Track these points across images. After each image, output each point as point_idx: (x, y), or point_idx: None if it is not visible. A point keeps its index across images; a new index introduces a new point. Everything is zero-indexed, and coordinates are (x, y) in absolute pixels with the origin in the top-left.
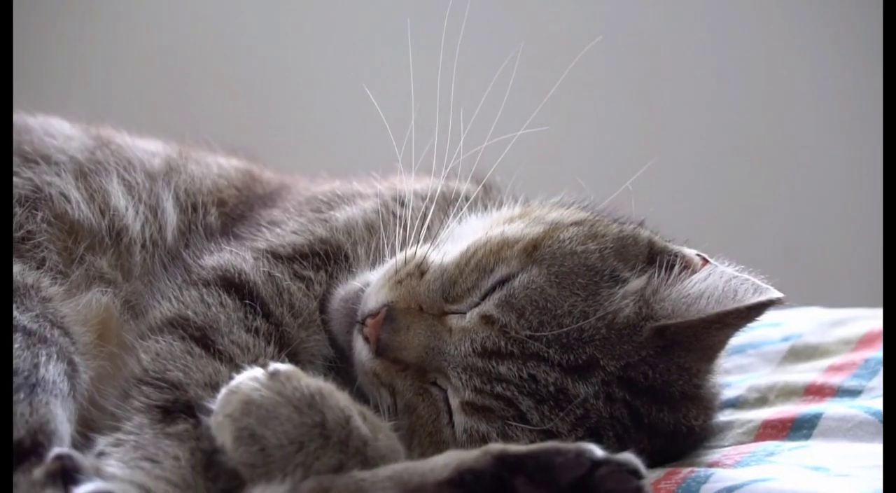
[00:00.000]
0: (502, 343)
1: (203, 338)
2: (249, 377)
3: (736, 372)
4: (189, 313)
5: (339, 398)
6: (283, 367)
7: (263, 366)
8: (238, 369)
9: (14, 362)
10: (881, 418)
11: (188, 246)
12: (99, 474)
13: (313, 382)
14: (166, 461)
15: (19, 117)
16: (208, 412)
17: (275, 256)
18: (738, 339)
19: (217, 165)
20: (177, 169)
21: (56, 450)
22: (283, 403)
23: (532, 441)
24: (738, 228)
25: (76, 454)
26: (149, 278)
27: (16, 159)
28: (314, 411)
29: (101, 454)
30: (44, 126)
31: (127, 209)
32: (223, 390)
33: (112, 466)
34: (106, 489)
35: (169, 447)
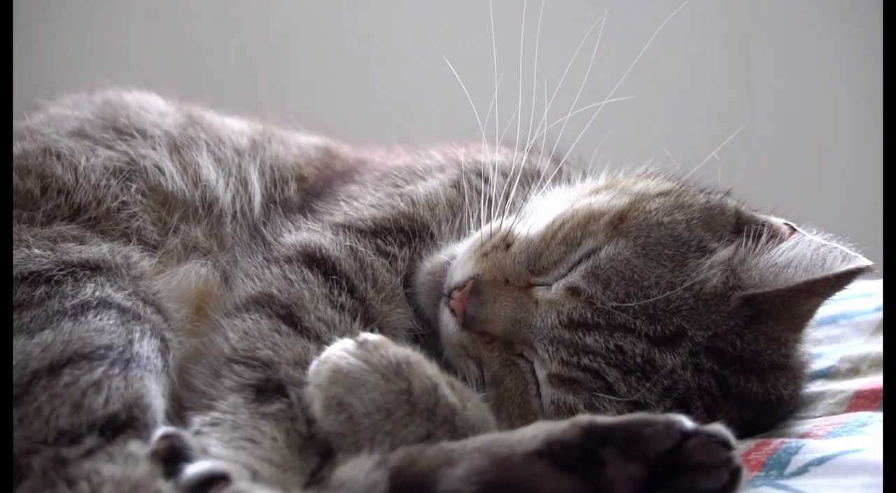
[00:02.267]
0: (589, 315)
1: (289, 315)
2: (339, 348)
3: (828, 342)
4: (273, 290)
5: (427, 367)
6: (372, 337)
7: (353, 337)
8: (326, 345)
9: (108, 337)
10: None
11: (268, 223)
12: (206, 453)
13: (401, 350)
14: (265, 441)
15: (116, 93)
16: (304, 385)
17: (356, 230)
18: (830, 309)
19: (297, 145)
20: (261, 146)
21: (163, 429)
22: (369, 371)
23: (619, 413)
24: (829, 195)
25: (184, 433)
26: (239, 250)
27: (111, 134)
28: (401, 378)
29: (197, 433)
30: (139, 102)
31: (217, 181)
32: (314, 361)
33: (214, 446)
34: (221, 468)
35: (266, 427)
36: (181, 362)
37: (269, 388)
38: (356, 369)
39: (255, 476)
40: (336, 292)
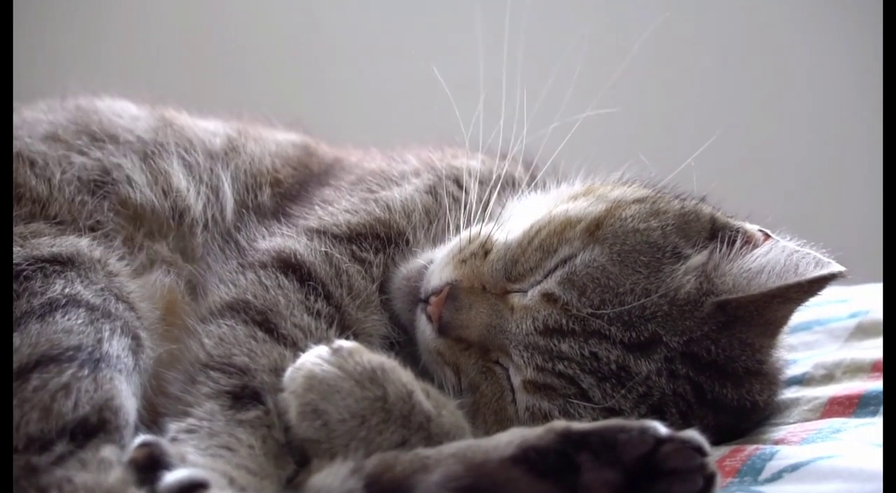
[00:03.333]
0: (564, 321)
1: (265, 322)
2: (314, 354)
3: (802, 349)
4: (248, 296)
5: (402, 374)
6: (347, 343)
7: (328, 344)
8: (302, 352)
9: (77, 338)
10: None
11: (241, 228)
12: (184, 461)
13: (375, 357)
14: (242, 449)
15: (87, 99)
16: (280, 392)
17: (331, 235)
18: (805, 315)
19: (275, 143)
20: (236, 149)
21: (142, 437)
22: (344, 377)
23: (595, 419)
24: (803, 202)
25: (162, 441)
26: (210, 259)
27: (84, 139)
28: (376, 385)
29: (173, 440)
30: (111, 107)
31: (188, 190)
32: (290, 368)
33: (191, 454)
34: (200, 475)
35: (242, 434)
36: (154, 367)
37: (246, 395)
38: (331, 375)
39: (232, 484)
40: (312, 298)
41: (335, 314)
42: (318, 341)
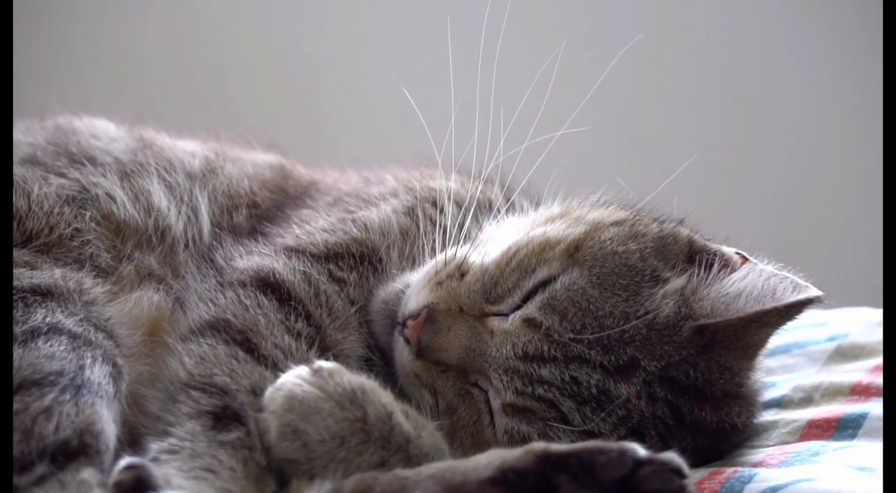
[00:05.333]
0: (545, 347)
1: (246, 341)
2: (294, 375)
3: (781, 372)
4: (229, 315)
5: (382, 395)
6: (327, 364)
7: (308, 364)
8: (281, 373)
9: (59, 363)
10: None
11: (218, 247)
12: (169, 484)
13: (356, 378)
14: (224, 472)
15: (66, 119)
16: (260, 412)
17: (308, 254)
18: (784, 338)
19: (252, 165)
20: (214, 170)
21: (127, 459)
22: (324, 398)
23: (573, 442)
24: (780, 225)
25: (148, 464)
26: (189, 278)
27: (63, 160)
28: (355, 406)
29: (155, 460)
30: (89, 128)
31: (169, 209)
32: (270, 388)
33: (174, 476)
34: None
35: (224, 456)
36: (135, 386)
37: (227, 415)
38: (311, 396)
39: None
40: (292, 318)
41: (315, 335)
42: (299, 362)
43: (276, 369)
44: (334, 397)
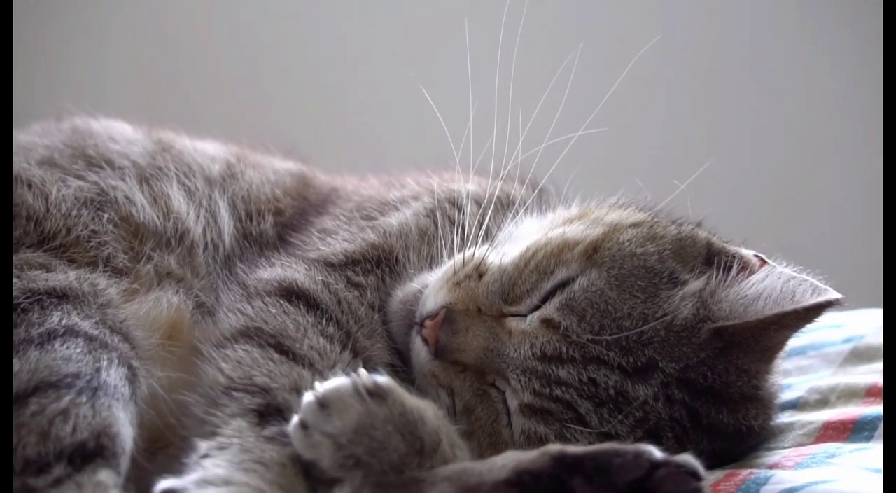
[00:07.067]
0: (563, 348)
1: (279, 345)
2: (350, 393)
3: (797, 373)
4: (258, 323)
5: (432, 418)
6: (383, 380)
7: (368, 382)
8: (319, 373)
9: (76, 366)
10: None
11: (242, 258)
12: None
13: (413, 402)
14: (274, 466)
15: (83, 121)
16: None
17: (327, 264)
18: (799, 340)
19: (273, 171)
20: (235, 175)
21: (163, 485)
22: (391, 433)
23: (591, 444)
24: (798, 228)
25: (188, 486)
26: (213, 281)
27: (80, 163)
28: (416, 438)
29: (205, 457)
30: (107, 130)
31: (188, 213)
32: (313, 402)
33: (222, 468)
34: None
35: (272, 451)
36: (176, 392)
37: (270, 413)
38: (375, 424)
39: None
40: (323, 321)
41: (346, 339)
42: (334, 364)
43: (314, 369)
44: (399, 430)
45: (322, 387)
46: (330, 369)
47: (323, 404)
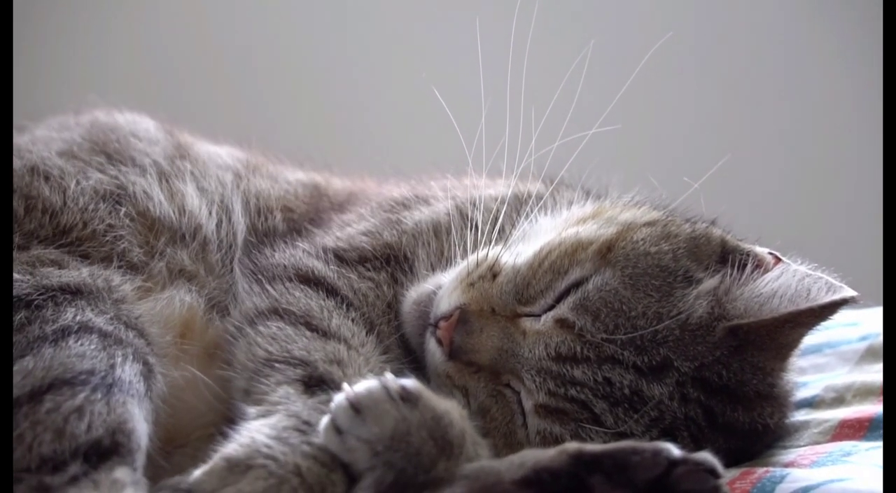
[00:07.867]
0: (578, 348)
1: (308, 323)
2: (383, 399)
3: (812, 371)
4: (283, 304)
5: (458, 420)
6: (412, 386)
7: (397, 386)
8: (354, 349)
9: (90, 362)
10: None
11: (257, 248)
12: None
13: (442, 404)
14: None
15: (105, 114)
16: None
17: (340, 257)
18: (815, 338)
19: (285, 181)
20: (247, 178)
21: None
22: (425, 440)
23: (606, 443)
24: (813, 225)
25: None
26: (227, 278)
27: (101, 157)
28: (446, 442)
29: (255, 418)
30: (131, 126)
31: (201, 209)
32: (346, 405)
33: (261, 434)
34: None
35: (320, 416)
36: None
37: (314, 383)
38: (410, 429)
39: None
40: (344, 306)
41: (369, 325)
42: (363, 344)
43: (348, 344)
44: (432, 435)
45: (353, 390)
46: (362, 347)
47: (356, 407)
